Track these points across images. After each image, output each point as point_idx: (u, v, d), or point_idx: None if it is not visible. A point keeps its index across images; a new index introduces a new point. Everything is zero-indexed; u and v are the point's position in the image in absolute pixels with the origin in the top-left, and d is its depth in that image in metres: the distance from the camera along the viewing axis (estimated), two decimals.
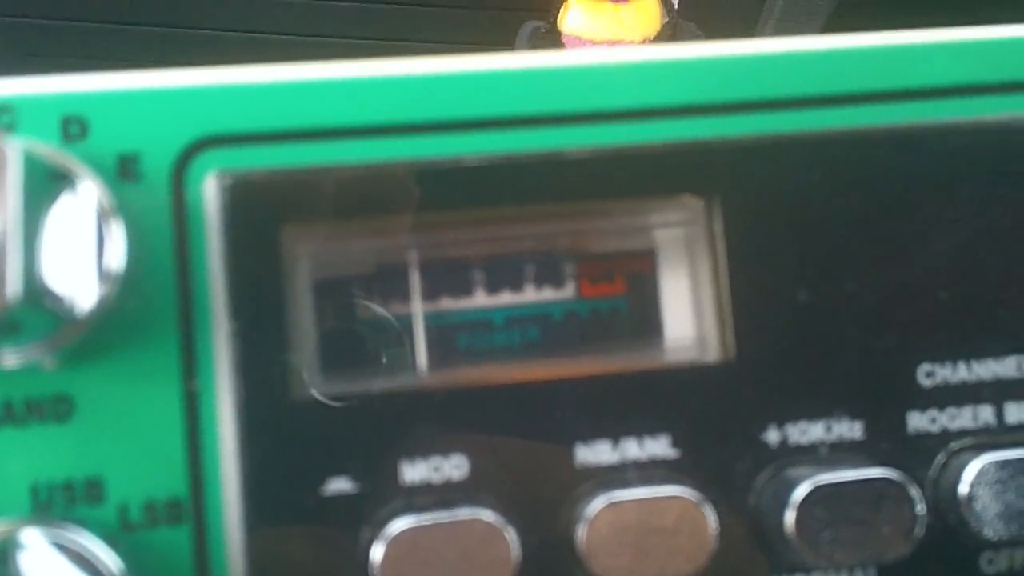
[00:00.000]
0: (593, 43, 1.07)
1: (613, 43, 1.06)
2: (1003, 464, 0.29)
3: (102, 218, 0.26)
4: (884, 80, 0.30)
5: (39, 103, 0.27)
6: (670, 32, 1.06)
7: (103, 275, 0.25)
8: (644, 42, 1.06)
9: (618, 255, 0.31)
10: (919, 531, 0.28)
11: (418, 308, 0.30)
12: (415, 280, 0.30)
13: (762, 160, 0.30)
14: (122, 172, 0.27)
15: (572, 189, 0.30)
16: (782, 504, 0.28)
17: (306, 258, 0.29)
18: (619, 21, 1.06)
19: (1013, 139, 0.30)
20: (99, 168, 0.26)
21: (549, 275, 0.31)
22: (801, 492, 0.28)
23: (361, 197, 0.29)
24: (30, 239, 0.24)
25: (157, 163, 0.27)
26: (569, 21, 1.09)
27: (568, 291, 0.31)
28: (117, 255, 0.26)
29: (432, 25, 1.04)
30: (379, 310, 0.30)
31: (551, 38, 1.08)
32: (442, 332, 0.30)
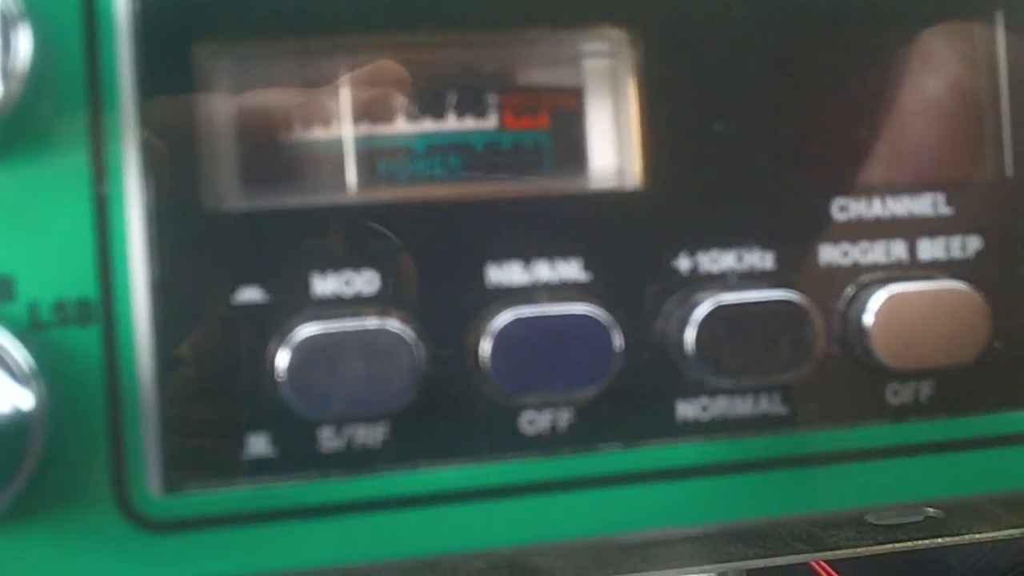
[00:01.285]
0: None
1: None
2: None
3: (8, 20, 0.26)
4: None
5: None
6: None
7: (8, 75, 0.25)
8: None
9: (544, 89, 0.31)
10: (819, 354, 0.29)
11: (337, 131, 0.30)
12: (336, 102, 0.30)
13: None
14: None
15: (497, 15, 0.30)
16: (684, 323, 0.28)
17: (223, 73, 0.29)
18: None
19: None
20: None
21: (472, 105, 0.31)
22: (703, 311, 0.28)
23: (282, 15, 0.28)
24: None
25: None
26: None
27: (491, 121, 0.31)
28: (23, 57, 0.26)
29: None
30: (300, 129, 0.30)
31: None
32: (361, 156, 0.30)
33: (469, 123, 0.31)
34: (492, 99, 0.31)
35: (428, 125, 0.30)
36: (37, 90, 0.26)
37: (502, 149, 0.31)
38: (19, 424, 0.25)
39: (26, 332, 0.26)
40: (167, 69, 0.28)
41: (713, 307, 0.28)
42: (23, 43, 0.26)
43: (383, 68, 0.30)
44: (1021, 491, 0.32)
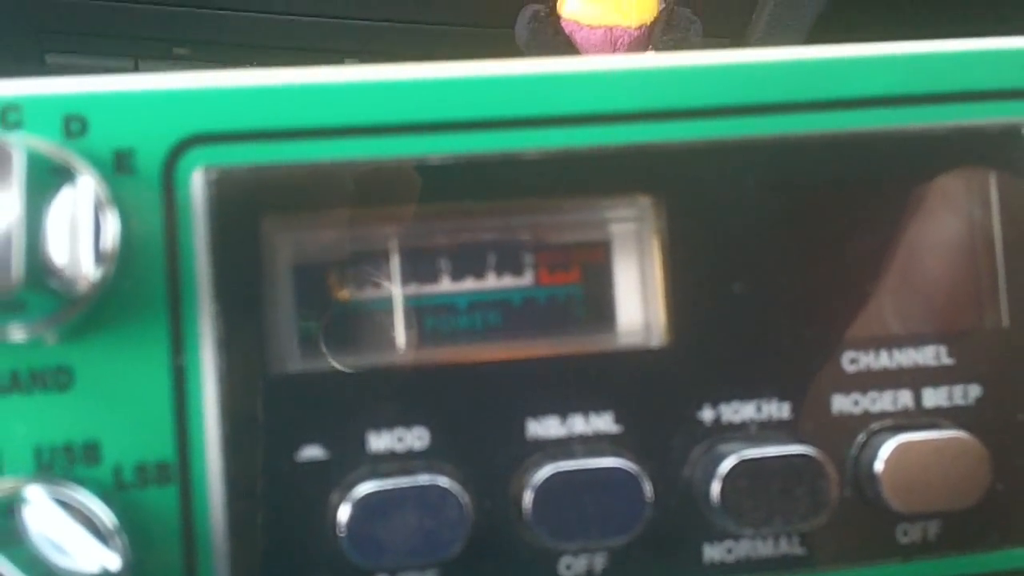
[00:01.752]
0: (591, 27, 1.09)
1: (611, 28, 1.08)
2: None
3: (99, 208, 0.29)
4: (815, 91, 0.33)
5: (43, 103, 0.30)
6: (666, 18, 1.08)
7: (100, 259, 0.28)
8: (640, 27, 1.08)
9: (574, 246, 0.34)
10: (834, 504, 0.31)
11: (388, 292, 0.33)
12: (387, 266, 0.33)
13: (704, 163, 0.33)
14: (118, 166, 0.30)
15: (531, 187, 0.33)
16: (710, 476, 0.31)
17: (285, 245, 0.32)
18: (617, 6, 1.08)
19: (931, 146, 0.33)
20: (97, 163, 0.29)
21: (509, 264, 0.34)
22: (727, 465, 0.30)
23: (335, 192, 0.31)
24: (33, 227, 0.27)
25: (150, 158, 0.30)
26: (568, 5, 1.10)
27: (527, 279, 0.34)
28: (112, 241, 0.29)
29: (433, 6, 1.06)
30: (353, 294, 0.32)
31: (550, 22, 1.10)
32: (409, 315, 0.33)
33: (507, 281, 0.34)
34: (528, 258, 0.34)
35: (470, 284, 0.33)
36: (121, 270, 0.29)
37: (538, 304, 0.34)
38: None
39: (110, 493, 0.29)
40: (237, 244, 0.30)
41: (736, 461, 0.30)
42: (111, 227, 0.29)
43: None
44: None
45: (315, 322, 0.32)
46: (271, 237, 0.31)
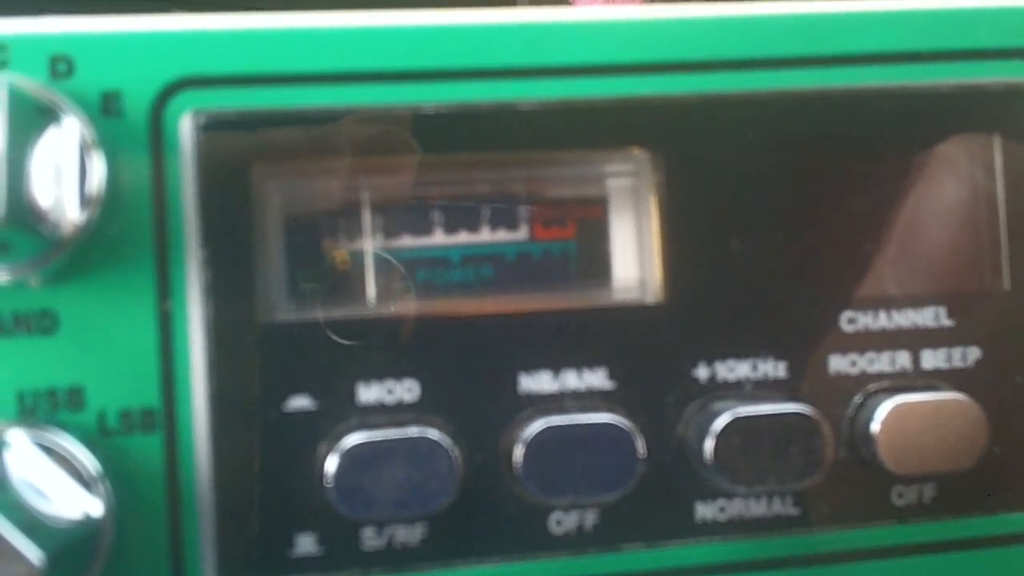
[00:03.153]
0: None
1: None
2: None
3: (84, 150, 0.28)
4: (817, 46, 0.32)
5: (30, 42, 0.29)
6: None
7: (84, 201, 0.28)
8: None
9: (570, 201, 0.33)
10: (828, 464, 0.30)
11: (380, 244, 0.32)
12: (379, 217, 0.32)
13: (704, 117, 0.32)
14: (105, 108, 0.29)
15: (526, 139, 0.32)
16: (704, 433, 0.30)
17: (276, 193, 0.31)
18: None
19: (934, 104, 0.32)
20: (83, 104, 0.29)
21: (504, 217, 0.33)
22: (721, 422, 0.30)
23: (328, 139, 0.31)
24: (17, 167, 0.27)
25: (137, 101, 0.29)
26: None
27: (522, 233, 0.33)
28: (98, 184, 0.28)
29: None
30: (345, 244, 0.32)
31: None
32: (403, 267, 0.32)
33: (501, 235, 0.33)
34: (523, 212, 0.33)
35: (464, 237, 0.33)
36: (107, 213, 0.29)
37: (533, 258, 0.33)
38: (89, 529, 0.27)
39: (94, 439, 0.28)
40: (226, 190, 0.30)
41: (730, 419, 0.30)
42: (97, 170, 0.28)
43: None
44: None
45: (306, 271, 0.31)
46: (261, 184, 0.31)
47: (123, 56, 0.30)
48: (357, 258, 0.32)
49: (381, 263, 0.32)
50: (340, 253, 0.32)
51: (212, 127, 0.29)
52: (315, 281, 0.31)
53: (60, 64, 0.29)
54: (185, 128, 0.29)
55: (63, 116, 0.28)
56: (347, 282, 0.32)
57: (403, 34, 0.31)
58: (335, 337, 0.30)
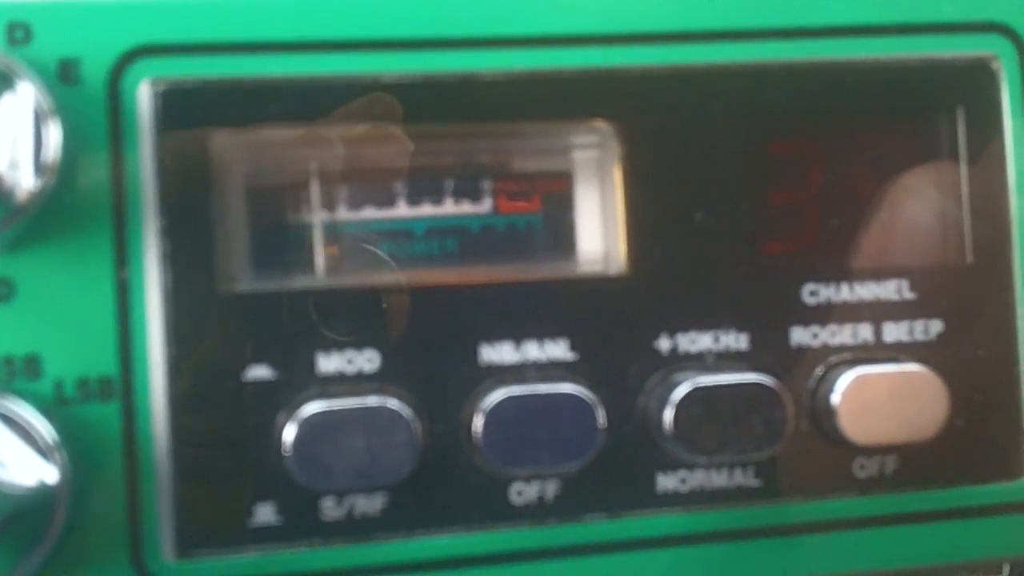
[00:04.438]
0: None
1: None
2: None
3: (40, 117, 0.28)
4: (781, 18, 0.32)
5: None
6: None
7: (40, 168, 0.27)
8: None
9: (536, 175, 0.33)
10: (789, 434, 0.31)
11: (344, 216, 0.32)
12: (341, 188, 0.32)
13: (668, 89, 0.32)
14: (63, 76, 0.29)
15: (490, 109, 0.32)
16: (663, 403, 0.30)
17: (237, 163, 0.31)
18: None
19: (899, 77, 0.33)
20: (41, 71, 0.28)
21: (468, 190, 0.33)
22: (680, 392, 0.30)
23: (289, 108, 0.31)
24: None
25: (95, 68, 0.29)
26: None
27: (485, 206, 0.33)
28: (54, 151, 0.28)
29: None
30: (306, 214, 0.32)
31: None
32: (363, 239, 0.32)
33: (466, 207, 0.33)
34: (487, 185, 0.33)
35: (427, 209, 0.33)
36: (64, 181, 0.28)
37: (497, 231, 0.33)
38: (44, 496, 0.27)
39: (51, 408, 0.28)
40: (184, 159, 0.30)
41: (690, 389, 0.30)
42: (53, 137, 0.28)
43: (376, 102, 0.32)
44: (981, 561, 0.34)
45: (265, 240, 0.31)
46: (222, 153, 0.30)
47: (81, 23, 0.29)
48: (317, 227, 0.32)
49: (350, 234, 0.32)
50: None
51: (171, 95, 0.29)
52: (277, 252, 0.31)
53: (17, 31, 0.29)
54: (143, 96, 0.29)
55: (18, 82, 0.28)
56: (309, 252, 0.32)
57: (365, 2, 0.31)
58: (295, 307, 0.30)
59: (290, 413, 0.29)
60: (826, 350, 0.32)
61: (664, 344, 0.32)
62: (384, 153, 0.32)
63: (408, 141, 0.32)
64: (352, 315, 0.31)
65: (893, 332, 0.33)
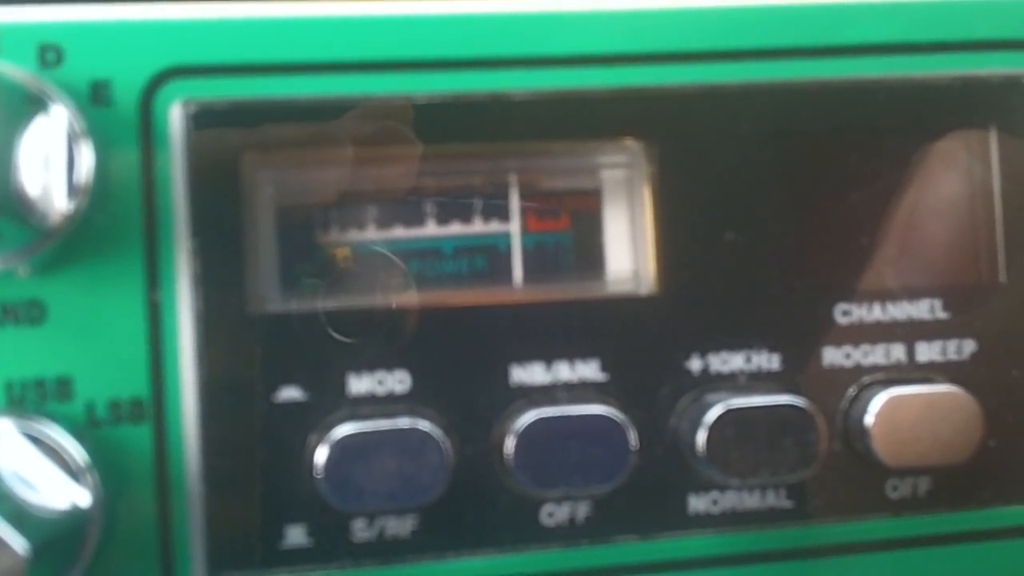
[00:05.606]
0: None
1: None
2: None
3: (73, 139, 0.28)
4: (813, 37, 0.32)
5: (18, 31, 0.29)
6: None
7: (73, 191, 0.28)
8: None
9: (564, 193, 0.33)
10: (822, 456, 0.30)
11: (373, 235, 0.32)
12: (372, 209, 0.32)
13: (699, 108, 0.32)
14: (94, 98, 0.29)
15: (520, 129, 0.32)
16: (696, 424, 0.30)
17: (267, 183, 0.31)
18: None
19: (932, 96, 0.32)
20: (72, 93, 0.28)
21: (497, 209, 0.33)
22: (713, 414, 0.30)
23: (319, 130, 0.31)
24: (4, 156, 0.26)
25: (127, 90, 0.29)
26: None
27: (515, 225, 0.33)
28: (86, 173, 0.28)
29: None
30: (336, 235, 0.32)
31: None
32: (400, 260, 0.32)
33: (494, 226, 0.33)
34: (516, 204, 0.33)
35: (456, 228, 0.32)
36: (96, 203, 0.28)
37: (526, 250, 0.33)
38: (77, 519, 0.27)
39: (83, 430, 0.28)
40: (216, 180, 0.30)
41: (723, 411, 0.30)
42: (85, 159, 0.28)
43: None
44: None
45: (296, 263, 0.31)
46: (253, 174, 0.30)
47: (112, 45, 0.29)
48: (358, 252, 0.32)
49: (378, 256, 0.32)
50: (342, 251, 0.32)
51: (202, 117, 0.29)
52: (310, 274, 0.31)
53: (49, 53, 0.29)
54: (175, 118, 0.29)
55: (51, 105, 0.28)
56: (341, 274, 0.32)
57: (397, 23, 0.31)
58: (328, 329, 0.30)
59: (321, 435, 0.29)
60: (859, 370, 0.32)
61: (695, 364, 0.32)
62: (413, 173, 0.32)
63: (435, 161, 0.32)
64: (382, 336, 0.30)
65: (926, 352, 0.32)
